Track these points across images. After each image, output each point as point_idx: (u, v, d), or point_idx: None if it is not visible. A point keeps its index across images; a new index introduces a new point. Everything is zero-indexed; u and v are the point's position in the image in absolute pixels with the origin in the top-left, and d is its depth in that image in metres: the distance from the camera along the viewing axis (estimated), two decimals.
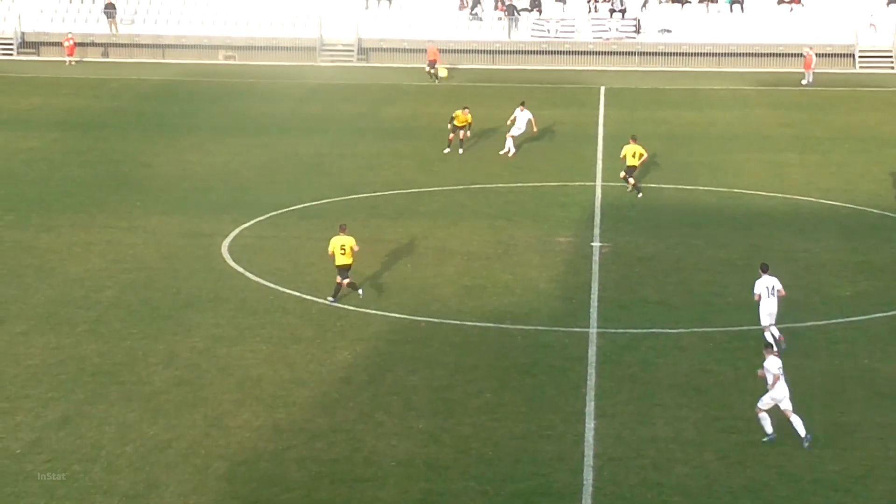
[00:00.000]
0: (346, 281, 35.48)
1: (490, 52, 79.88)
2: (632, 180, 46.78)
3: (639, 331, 33.56)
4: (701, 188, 48.44)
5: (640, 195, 46.37)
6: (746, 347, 32.34)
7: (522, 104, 54.49)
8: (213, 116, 62.74)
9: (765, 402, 26.71)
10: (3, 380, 29.98)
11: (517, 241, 41.59)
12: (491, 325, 34.00)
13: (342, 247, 35.32)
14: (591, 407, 28.69)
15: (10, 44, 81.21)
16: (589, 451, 26.50)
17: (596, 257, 39.68)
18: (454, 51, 79.35)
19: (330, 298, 35.47)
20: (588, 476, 25.49)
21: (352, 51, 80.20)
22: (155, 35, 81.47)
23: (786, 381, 26.79)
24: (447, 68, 75.00)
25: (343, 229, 35.78)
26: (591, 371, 30.77)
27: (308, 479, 25.39)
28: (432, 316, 34.57)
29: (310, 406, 28.84)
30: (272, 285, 36.97)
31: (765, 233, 42.63)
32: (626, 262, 39.48)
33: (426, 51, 74.74)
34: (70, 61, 78.39)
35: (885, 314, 34.93)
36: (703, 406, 28.85)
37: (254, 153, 54.56)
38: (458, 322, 34.17)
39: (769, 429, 26.76)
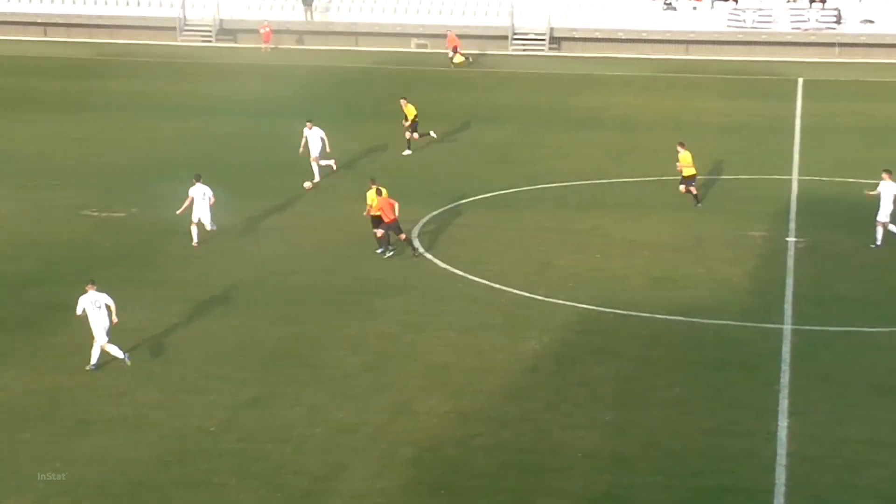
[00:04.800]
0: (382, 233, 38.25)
1: (684, 41, 78.85)
2: (693, 189, 44.00)
3: (835, 329, 32.73)
4: None
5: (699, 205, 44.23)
6: None
7: (309, 122, 47.79)
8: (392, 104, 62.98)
9: None
10: (199, 360, 30.60)
11: (708, 235, 40.95)
12: (680, 318, 33.52)
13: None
14: (783, 405, 28.05)
15: (209, 31, 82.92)
16: (781, 450, 25.92)
17: (791, 252, 38.85)
18: (647, 41, 78.60)
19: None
20: (780, 475, 24.92)
21: (543, 39, 79.95)
22: (349, 23, 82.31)
23: None
24: (464, 55, 75.18)
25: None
26: (785, 368, 30.10)
27: (494, 468, 25.35)
28: (621, 308, 34.24)
29: (497, 394, 28.79)
30: (460, 273, 37.04)
31: None
32: (822, 258, 38.58)
33: (450, 38, 75.70)
34: (265, 48, 79.72)
35: None
36: None
37: (440, 142, 54.73)
38: (647, 314, 33.77)
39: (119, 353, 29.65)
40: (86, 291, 29.72)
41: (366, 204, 38.82)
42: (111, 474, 24.89)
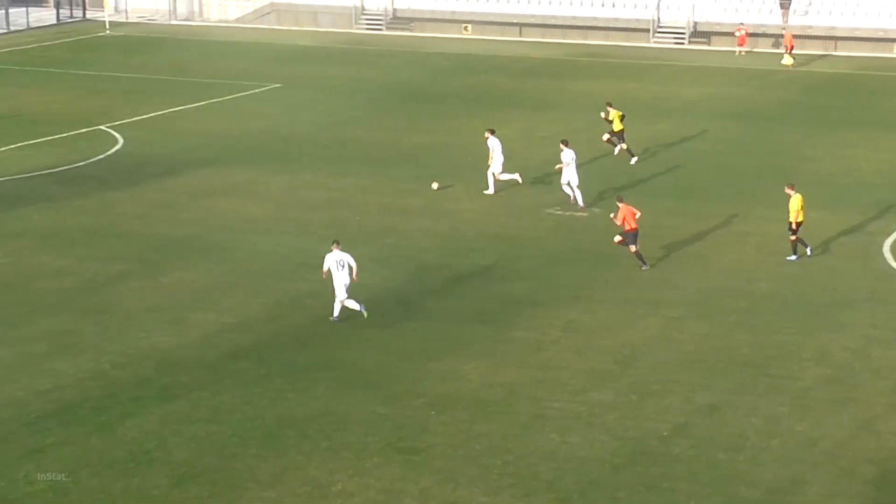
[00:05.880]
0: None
1: None
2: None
3: None
4: None
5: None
6: None
7: (490, 130, 45.21)
8: (882, 112, 60.69)
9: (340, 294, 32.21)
10: (656, 362, 30.32)
11: None
12: None
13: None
14: None
15: (683, 33, 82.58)
16: None
17: None
18: None
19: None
20: None
21: None
22: (828, 26, 80.00)
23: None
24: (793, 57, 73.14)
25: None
26: None
27: None
28: None
29: None
30: None
31: None
32: None
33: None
34: (740, 51, 78.57)
35: None
36: None
37: None
38: None
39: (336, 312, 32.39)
40: (331, 250, 32.26)
41: (792, 209, 37.16)
42: (562, 471, 24.97)
